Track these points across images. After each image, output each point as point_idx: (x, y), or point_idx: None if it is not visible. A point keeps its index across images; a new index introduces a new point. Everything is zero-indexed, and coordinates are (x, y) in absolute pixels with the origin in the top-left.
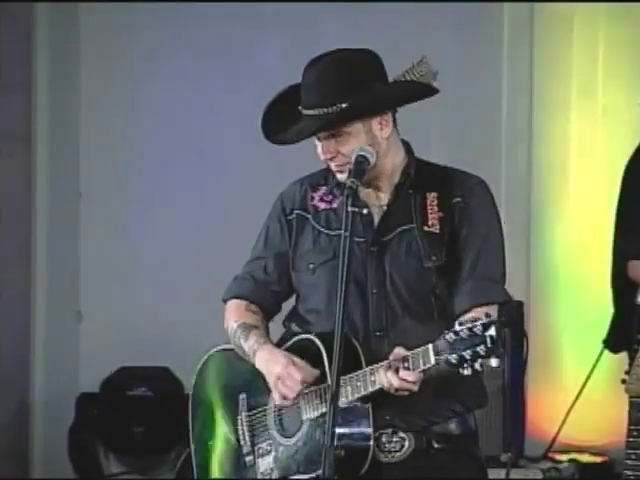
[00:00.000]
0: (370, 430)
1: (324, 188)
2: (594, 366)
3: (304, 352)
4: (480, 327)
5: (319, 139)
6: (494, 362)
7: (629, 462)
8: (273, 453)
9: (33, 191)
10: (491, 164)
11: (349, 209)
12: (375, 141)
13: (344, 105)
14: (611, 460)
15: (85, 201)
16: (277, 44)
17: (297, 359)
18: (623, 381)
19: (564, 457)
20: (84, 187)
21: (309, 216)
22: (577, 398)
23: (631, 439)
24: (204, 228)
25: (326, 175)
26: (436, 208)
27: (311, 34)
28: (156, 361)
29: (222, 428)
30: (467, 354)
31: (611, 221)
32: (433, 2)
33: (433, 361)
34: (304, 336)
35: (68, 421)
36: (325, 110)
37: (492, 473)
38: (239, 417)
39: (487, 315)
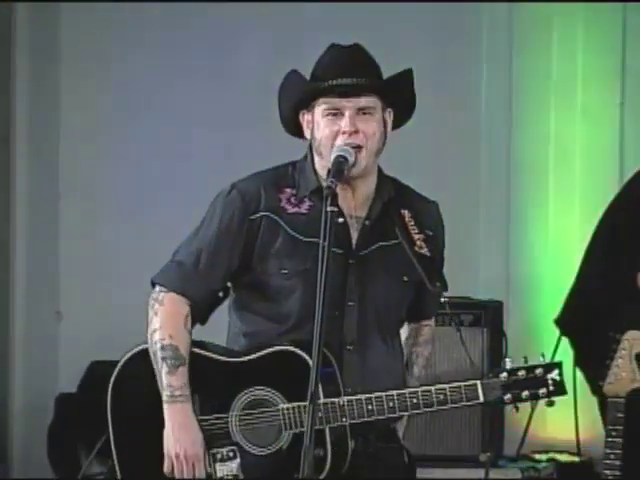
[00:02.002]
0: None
1: (290, 190)
2: (553, 353)
3: (283, 364)
4: (541, 370)
5: (338, 115)
6: (551, 403)
7: (608, 462)
8: (238, 460)
9: (13, 191)
10: (470, 165)
11: (328, 209)
12: (382, 134)
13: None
14: (590, 460)
15: (65, 201)
16: (259, 44)
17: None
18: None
19: (543, 457)
20: (64, 187)
21: (278, 219)
22: None
23: (610, 439)
24: (185, 229)
25: (292, 176)
26: (416, 229)
27: (293, 34)
28: None
29: (158, 430)
30: (525, 395)
31: (590, 220)
32: (412, 2)
33: (482, 399)
34: (282, 348)
35: (47, 421)
36: (363, 80)
37: (471, 473)
38: None
39: (542, 355)
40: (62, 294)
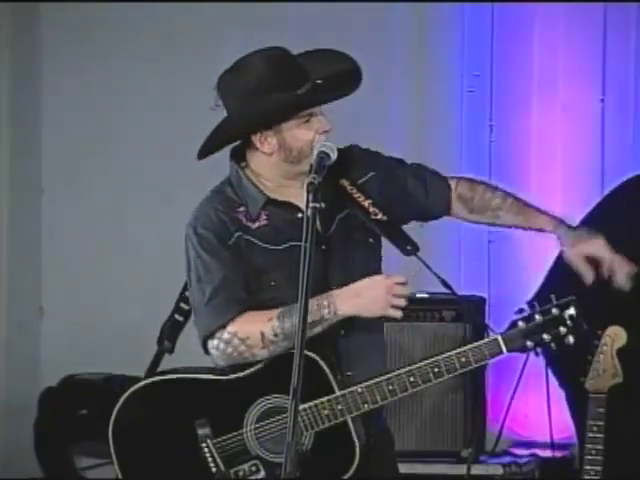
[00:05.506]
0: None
1: (242, 208)
2: (524, 364)
3: (286, 368)
4: (557, 310)
5: (305, 118)
6: (571, 340)
7: (589, 457)
8: (262, 472)
9: None
10: (451, 162)
11: (310, 205)
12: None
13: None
14: (571, 455)
15: (47, 197)
16: (236, 43)
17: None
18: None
19: (525, 452)
20: (46, 183)
21: (250, 237)
22: (515, 391)
23: (591, 434)
24: (168, 225)
25: (235, 194)
26: (362, 196)
27: (269, 33)
28: (118, 358)
29: (172, 460)
30: (546, 338)
31: (571, 217)
32: (394, 2)
33: (505, 350)
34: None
35: (30, 419)
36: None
37: (453, 468)
38: (204, 445)
39: (552, 296)
40: (45, 290)
